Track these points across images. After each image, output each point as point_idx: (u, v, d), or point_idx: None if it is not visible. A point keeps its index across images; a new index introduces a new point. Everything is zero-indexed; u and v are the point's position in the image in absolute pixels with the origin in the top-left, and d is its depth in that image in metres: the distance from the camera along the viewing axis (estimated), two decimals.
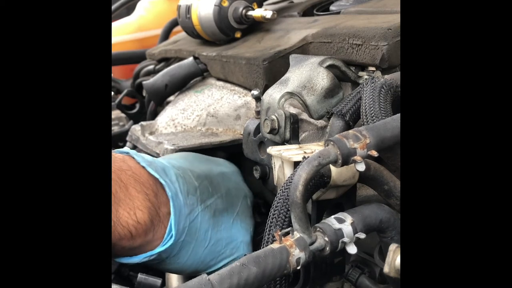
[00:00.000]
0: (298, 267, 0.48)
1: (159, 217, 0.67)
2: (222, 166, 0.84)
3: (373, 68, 0.74)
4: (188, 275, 0.75)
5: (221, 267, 0.72)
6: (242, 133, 0.86)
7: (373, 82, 0.64)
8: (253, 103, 0.91)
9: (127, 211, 0.64)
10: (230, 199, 0.79)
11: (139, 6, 2.06)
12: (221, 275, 0.44)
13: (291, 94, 0.74)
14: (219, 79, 1.07)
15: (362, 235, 0.51)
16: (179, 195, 0.70)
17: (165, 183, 0.69)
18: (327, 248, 0.49)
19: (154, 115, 1.21)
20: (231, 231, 0.77)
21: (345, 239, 0.50)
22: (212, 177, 0.78)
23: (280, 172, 0.65)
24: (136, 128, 1.03)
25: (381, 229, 0.54)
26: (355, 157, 0.48)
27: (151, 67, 1.36)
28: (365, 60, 0.74)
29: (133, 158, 0.70)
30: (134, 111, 1.38)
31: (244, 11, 1.04)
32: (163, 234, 0.68)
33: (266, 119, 0.75)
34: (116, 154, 0.71)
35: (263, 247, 0.50)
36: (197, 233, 0.71)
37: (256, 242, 0.82)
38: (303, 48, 0.87)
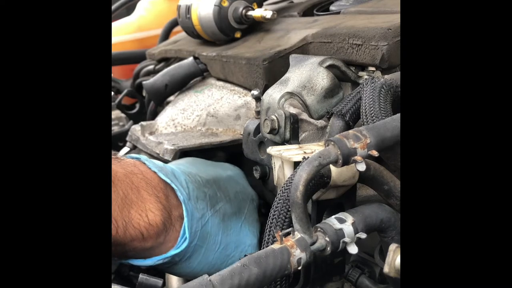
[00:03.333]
0: (299, 268, 0.48)
1: (170, 220, 0.68)
2: (228, 170, 0.85)
3: (373, 68, 0.74)
4: None
5: None
6: (242, 133, 0.86)
7: (373, 82, 0.64)
8: (253, 103, 0.91)
9: (138, 213, 0.64)
10: (238, 203, 0.79)
11: (139, 6, 2.06)
12: (222, 276, 0.45)
13: (291, 94, 0.74)
14: (219, 79, 1.07)
15: (363, 235, 0.51)
16: (190, 200, 0.70)
17: (176, 188, 0.69)
18: (328, 248, 0.49)
19: (154, 115, 1.21)
20: (240, 235, 0.77)
21: (346, 239, 0.50)
22: (220, 182, 0.79)
23: (280, 172, 0.65)
24: (136, 128, 1.03)
25: (381, 229, 0.54)
26: (356, 157, 0.48)
27: (151, 67, 1.36)
28: (365, 60, 0.74)
29: (144, 163, 0.71)
30: (134, 111, 1.38)
31: (244, 11, 1.05)
32: (174, 237, 0.68)
33: (266, 119, 0.75)
34: (127, 159, 0.71)
35: (263, 248, 0.50)
36: (208, 238, 0.72)
37: (258, 244, 0.82)
38: (303, 48, 0.87)
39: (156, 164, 0.71)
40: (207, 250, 0.72)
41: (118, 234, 0.62)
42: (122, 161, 0.69)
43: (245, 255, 0.48)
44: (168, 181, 0.69)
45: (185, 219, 0.68)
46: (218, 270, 0.74)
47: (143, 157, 0.73)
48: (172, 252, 0.68)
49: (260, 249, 0.80)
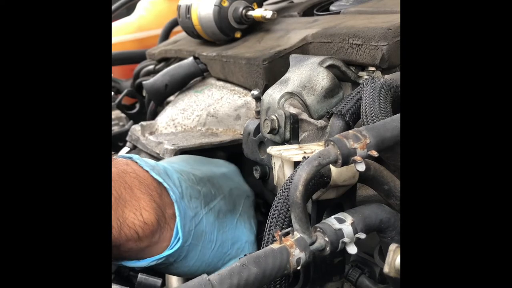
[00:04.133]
0: (298, 267, 0.48)
1: (165, 218, 0.67)
2: (222, 167, 0.84)
3: (373, 68, 0.74)
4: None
5: None
6: (242, 133, 0.86)
7: (373, 82, 0.64)
8: (253, 103, 0.91)
9: (133, 212, 0.64)
10: (233, 200, 0.79)
11: (139, 6, 2.06)
12: (221, 275, 0.44)
13: (291, 94, 0.74)
14: (219, 79, 1.07)
15: (362, 235, 0.51)
16: (183, 198, 0.70)
17: (169, 187, 0.69)
18: (327, 248, 0.49)
19: (154, 115, 1.21)
20: (236, 231, 0.77)
21: (345, 239, 0.50)
22: (214, 179, 0.78)
23: (280, 172, 0.65)
24: (136, 128, 1.03)
25: (381, 229, 0.54)
26: (355, 157, 0.48)
27: (151, 67, 1.36)
28: (365, 60, 0.74)
29: (136, 162, 0.70)
30: (134, 111, 1.39)
31: (244, 11, 1.05)
32: (169, 236, 0.68)
33: (266, 119, 0.75)
34: (119, 158, 0.71)
35: (263, 247, 0.50)
36: (203, 236, 0.71)
37: (257, 242, 0.82)
38: (303, 48, 0.87)
39: (148, 163, 0.71)
40: (203, 249, 0.71)
41: (113, 235, 0.62)
42: (114, 160, 0.69)
43: (245, 255, 0.48)
44: (161, 180, 0.69)
45: (178, 219, 0.68)
46: (216, 268, 0.74)
47: (135, 156, 0.72)
48: (166, 252, 0.67)
49: (258, 246, 0.80)
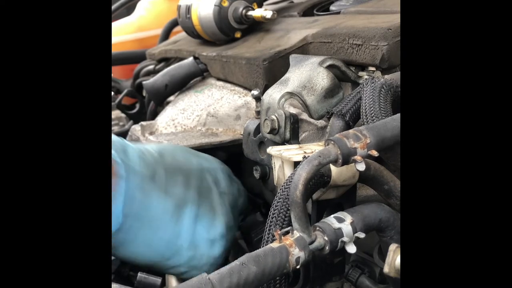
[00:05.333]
0: (298, 266, 0.48)
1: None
2: (204, 161, 0.83)
3: (373, 68, 0.74)
4: (144, 266, 0.74)
5: (177, 262, 0.72)
6: (242, 133, 0.86)
7: (373, 82, 0.64)
8: (253, 103, 0.91)
9: None
10: (202, 194, 0.77)
11: (139, 6, 2.06)
12: (221, 274, 0.45)
13: (291, 94, 0.74)
14: (219, 79, 1.08)
15: (361, 235, 0.51)
16: (134, 177, 0.68)
17: (120, 162, 0.67)
18: (327, 248, 0.49)
19: (154, 115, 1.22)
20: (196, 226, 0.74)
21: (345, 239, 0.50)
22: (186, 169, 0.77)
23: (280, 172, 0.65)
24: (136, 128, 1.03)
25: (380, 229, 0.54)
26: (356, 157, 0.48)
27: (151, 67, 1.36)
28: (365, 60, 0.74)
29: None
30: (134, 111, 1.39)
31: (244, 11, 1.05)
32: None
33: (266, 119, 0.75)
34: None
35: (263, 246, 0.50)
36: (153, 221, 0.70)
37: (256, 242, 0.82)
38: (303, 48, 0.87)
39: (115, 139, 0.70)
40: (151, 234, 0.69)
41: None
42: None
43: (240, 254, 0.48)
44: (113, 153, 0.67)
45: (122, 197, 0.66)
46: (165, 259, 0.71)
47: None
48: None
49: (224, 248, 0.77)
